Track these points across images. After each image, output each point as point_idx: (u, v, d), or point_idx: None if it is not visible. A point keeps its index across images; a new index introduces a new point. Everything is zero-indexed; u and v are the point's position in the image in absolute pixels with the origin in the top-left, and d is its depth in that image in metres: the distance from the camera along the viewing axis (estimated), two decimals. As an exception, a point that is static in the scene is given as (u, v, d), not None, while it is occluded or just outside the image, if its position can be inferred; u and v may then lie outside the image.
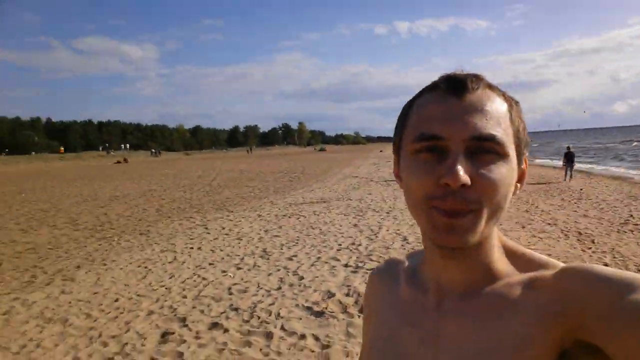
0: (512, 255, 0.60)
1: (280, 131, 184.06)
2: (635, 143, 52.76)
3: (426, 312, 0.62)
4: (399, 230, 7.67)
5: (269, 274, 5.54)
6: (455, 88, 0.55)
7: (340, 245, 6.80)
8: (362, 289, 4.70)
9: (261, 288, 5.03)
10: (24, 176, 31.03)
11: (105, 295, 5.14)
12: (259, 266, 5.95)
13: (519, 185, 0.59)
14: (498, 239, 0.60)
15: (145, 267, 6.24)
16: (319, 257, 6.16)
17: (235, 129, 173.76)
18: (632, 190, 12.43)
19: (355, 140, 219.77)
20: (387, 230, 7.69)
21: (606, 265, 5.29)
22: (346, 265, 5.69)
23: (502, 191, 0.53)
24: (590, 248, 6.09)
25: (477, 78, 0.57)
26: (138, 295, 5.07)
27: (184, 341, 3.80)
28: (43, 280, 5.87)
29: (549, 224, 7.70)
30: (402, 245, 6.55)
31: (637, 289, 0.46)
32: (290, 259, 6.22)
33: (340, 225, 8.32)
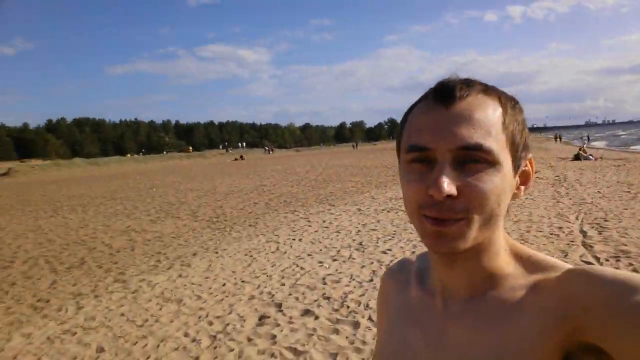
0: (519, 257, 0.60)
1: (386, 126, 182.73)
2: None
3: (433, 315, 0.64)
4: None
5: (363, 266, 5.69)
6: (442, 97, 0.56)
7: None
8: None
9: (353, 279, 5.21)
10: (157, 172, 34.76)
11: (215, 280, 5.70)
12: (353, 258, 6.13)
13: (522, 188, 0.60)
14: (505, 242, 0.61)
15: (251, 256, 6.76)
16: (413, 252, 6.17)
17: (342, 125, 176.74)
18: None
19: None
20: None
21: None
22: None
23: (492, 199, 0.54)
24: None
25: (467, 85, 0.56)
26: (242, 281, 5.55)
27: (278, 325, 4.12)
28: (165, 265, 6.67)
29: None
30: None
31: (636, 290, 0.47)
32: (384, 252, 6.31)
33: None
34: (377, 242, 6.94)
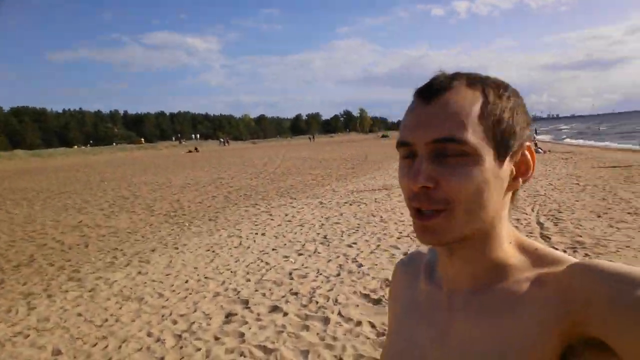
0: (524, 250, 0.60)
1: (342, 118, 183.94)
2: None
3: (438, 309, 0.65)
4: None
5: (329, 261, 5.66)
6: (422, 94, 0.58)
7: (401, 233, 6.79)
8: (421, 277, 4.70)
9: (320, 274, 5.16)
10: (106, 165, 33.40)
11: (177, 276, 5.50)
12: (319, 252, 6.09)
13: (520, 178, 0.59)
14: (510, 235, 0.61)
15: (213, 252, 6.58)
16: (378, 245, 6.20)
17: (298, 117, 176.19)
18: None
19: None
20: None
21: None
22: (406, 254, 5.68)
23: (471, 191, 0.55)
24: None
25: (448, 79, 0.58)
26: (206, 277, 5.38)
27: (246, 322, 4.01)
28: (122, 262, 6.38)
29: (629, 213, 7.19)
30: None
31: (638, 283, 0.47)
32: (350, 246, 6.30)
33: (402, 213, 8.27)
34: (342, 236, 6.93)
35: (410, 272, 0.75)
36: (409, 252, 0.82)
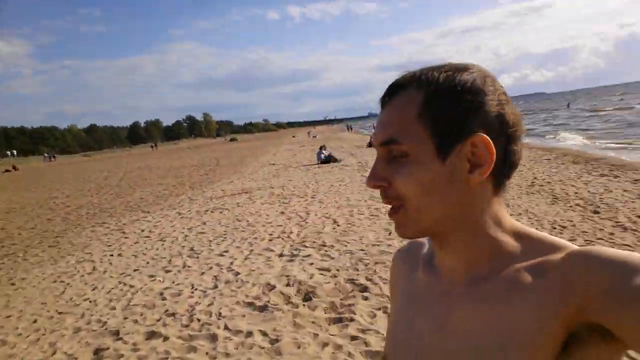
0: (521, 238, 0.60)
1: (185, 124, 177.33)
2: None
3: (437, 298, 0.64)
4: (327, 213, 7.75)
5: (202, 273, 5.33)
6: (381, 100, 0.63)
7: (272, 235, 6.73)
8: (302, 277, 4.70)
9: (196, 289, 4.83)
10: None
11: (20, 317, 4.64)
12: (189, 266, 5.71)
13: (476, 171, 0.57)
14: (503, 223, 0.61)
15: (62, 282, 5.72)
16: (251, 250, 6.05)
17: (136, 124, 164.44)
18: (530, 154, 13.62)
19: (266, 127, 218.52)
20: (316, 215, 7.74)
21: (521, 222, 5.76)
22: (281, 255, 5.64)
23: (417, 187, 0.57)
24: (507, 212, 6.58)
25: (399, 83, 0.61)
26: (59, 312, 4.64)
27: (121, 355, 3.55)
28: (-61, 312, 5.16)
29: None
30: (334, 229, 6.63)
31: (638, 269, 0.48)
32: (221, 255, 6.03)
33: (268, 215, 8.23)
34: (210, 245, 6.61)
35: (409, 261, 0.75)
36: (407, 242, 0.78)
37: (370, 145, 22.31)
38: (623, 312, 0.47)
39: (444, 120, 0.57)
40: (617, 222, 5.55)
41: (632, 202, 6.42)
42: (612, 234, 5.11)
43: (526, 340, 0.53)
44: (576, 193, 7.34)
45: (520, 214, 6.39)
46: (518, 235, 0.60)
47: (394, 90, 0.61)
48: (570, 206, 6.56)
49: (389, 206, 0.61)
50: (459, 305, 0.61)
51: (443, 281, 0.65)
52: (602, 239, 4.97)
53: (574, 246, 0.57)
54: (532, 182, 8.66)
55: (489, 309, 0.57)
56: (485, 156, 0.57)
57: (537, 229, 4.85)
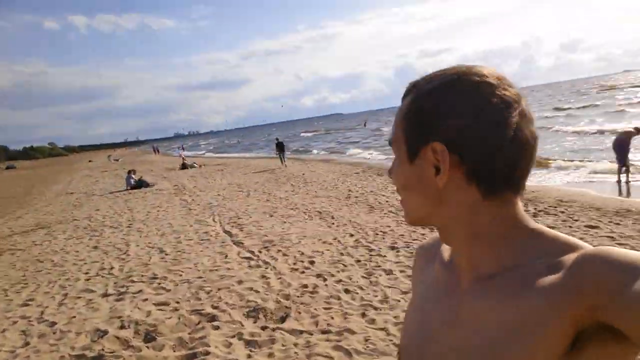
0: (536, 237, 0.60)
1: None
2: (309, 133, 63.15)
3: (450, 292, 0.66)
4: (150, 243, 7.12)
5: (3, 331, 4.31)
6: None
7: (88, 273, 5.86)
8: (137, 316, 4.18)
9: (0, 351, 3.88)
10: None
11: None
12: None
13: (437, 178, 0.59)
14: (520, 224, 0.61)
15: None
16: (66, 294, 5.15)
17: None
18: (342, 169, 14.83)
19: (53, 152, 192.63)
20: (138, 245, 7.03)
21: (352, 235, 6.18)
22: (106, 295, 4.93)
23: (401, 184, 0.65)
24: (334, 224, 6.99)
25: (412, 85, 0.65)
26: None
27: None
28: None
29: (292, 208, 8.46)
30: (162, 258, 6.10)
31: None
32: (25, 304, 4.99)
33: (77, 251, 7.16)
34: (7, 294, 5.40)
35: (428, 255, 0.77)
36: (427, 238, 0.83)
37: (184, 166, 21.44)
38: (633, 313, 0.47)
39: (413, 126, 0.62)
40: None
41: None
42: (423, 234, 5.85)
43: (533, 336, 0.53)
44: (387, 201, 8.24)
45: (345, 224, 6.87)
46: (532, 235, 0.60)
47: (405, 95, 0.66)
48: (385, 213, 7.32)
49: None
50: (469, 299, 0.62)
51: (455, 275, 0.66)
52: (417, 239, 5.64)
53: (588, 246, 0.58)
54: (349, 195, 9.43)
55: (497, 303, 0.58)
56: (440, 164, 0.59)
57: (362, 237, 5.26)
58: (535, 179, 9.62)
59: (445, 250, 0.72)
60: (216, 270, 5.30)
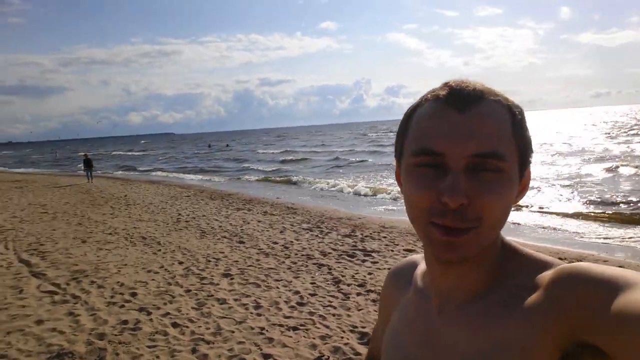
0: (514, 256, 0.60)
1: None
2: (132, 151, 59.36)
3: (429, 319, 0.63)
4: None
5: None
6: (456, 101, 0.55)
7: None
8: None
9: None
10: None
11: None
12: None
13: (523, 192, 0.60)
14: (501, 242, 0.61)
15: None
16: None
17: None
18: (170, 191, 13.87)
19: None
20: None
21: (181, 262, 5.65)
22: None
23: (502, 207, 0.54)
24: (160, 250, 6.34)
25: (480, 90, 0.55)
26: None
27: None
28: None
29: (110, 233, 7.48)
30: None
31: (628, 287, 0.47)
32: None
33: None
34: None
35: (402, 280, 0.74)
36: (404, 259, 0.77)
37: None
38: (613, 331, 0.46)
39: (527, 143, 0.57)
40: (259, 249, 6.22)
41: (267, 230, 7.38)
42: (258, 260, 5.67)
43: (518, 358, 0.52)
44: (220, 226, 7.88)
45: (174, 250, 6.31)
46: (512, 252, 0.60)
47: (476, 95, 0.55)
48: (219, 239, 6.96)
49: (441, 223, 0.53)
50: (450, 326, 0.60)
51: (436, 301, 0.63)
52: (252, 265, 5.43)
53: (561, 262, 0.57)
54: (178, 219, 8.79)
55: (481, 327, 0.56)
56: (529, 180, 0.60)
57: (193, 264, 4.87)
58: (363, 207, 10.32)
59: (419, 275, 0.70)
60: (5, 309, 4.29)
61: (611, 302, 0.46)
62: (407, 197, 0.58)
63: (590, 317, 0.48)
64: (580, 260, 5.06)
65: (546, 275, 0.55)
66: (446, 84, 0.57)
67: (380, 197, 11.79)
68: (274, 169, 23.38)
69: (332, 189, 13.90)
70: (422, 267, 0.71)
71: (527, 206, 9.14)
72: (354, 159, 25.02)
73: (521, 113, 0.58)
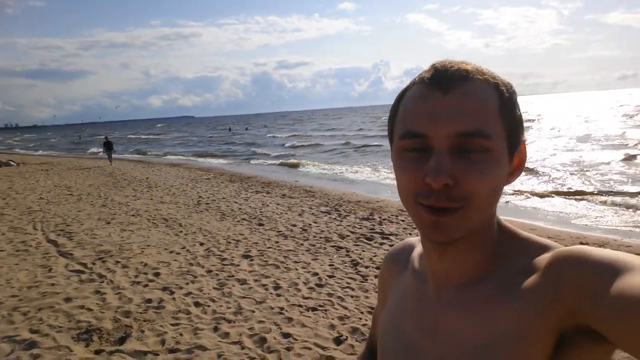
0: (511, 239, 0.60)
1: None
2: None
3: (425, 302, 0.63)
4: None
5: None
6: (439, 82, 0.54)
7: None
8: None
9: None
10: None
11: None
12: None
13: (516, 173, 0.60)
14: (498, 226, 0.61)
15: None
16: None
17: None
18: (191, 174, 14.06)
19: None
20: None
21: (202, 243, 5.77)
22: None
23: (489, 187, 0.53)
24: (182, 232, 6.48)
25: (464, 69, 0.55)
26: None
27: None
28: None
29: (133, 215, 7.65)
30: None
31: (627, 270, 0.46)
32: None
33: None
34: None
35: (399, 262, 0.74)
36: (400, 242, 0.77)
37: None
38: (612, 315, 0.45)
39: (517, 122, 0.57)
40: (278, 231, 6.30)
41: (285, 213, 7.45)
42: (277, 242, 5.76)
43: (515, 342, 0.52)
44: (240, 209, 7.99)
45: (195, 232, 6.43)
46: (509, 235, 0.60)
47: (461, 75, 0.54)
48: (238, 221, 7.06)
49: (427, 204, 0.54)
50: (449, 310, 0.60)
51: (433, 285, 0.63)
52: (271, 247, 5.52)
53: (558, 245, 0.56)
54: (199, 201, 8.93)
55: (478, 312, 0.57)
56: (524, 159, 0.60)
57: (214, 245, 4.97)
58: (382, 191, 10.32)
59: (416, 258, 0.70)
60: (36, 287, 4.46)
61: (610, 285, 0.46)
62: (397, 180, 0.58)
63: (589, 301, 0.47)
64: (602, 246, 5.01)
65: (544, 258, 0.54)
66: (432, 65, 0.57)
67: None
68: (291, 153, 23.46)
69: (351, 173, 13.91)
70: (418, 249, 0.71)
71: (548, 193, 9.03)
72: (371, 144, 24.88)
73: (509, 91, 0.57)
